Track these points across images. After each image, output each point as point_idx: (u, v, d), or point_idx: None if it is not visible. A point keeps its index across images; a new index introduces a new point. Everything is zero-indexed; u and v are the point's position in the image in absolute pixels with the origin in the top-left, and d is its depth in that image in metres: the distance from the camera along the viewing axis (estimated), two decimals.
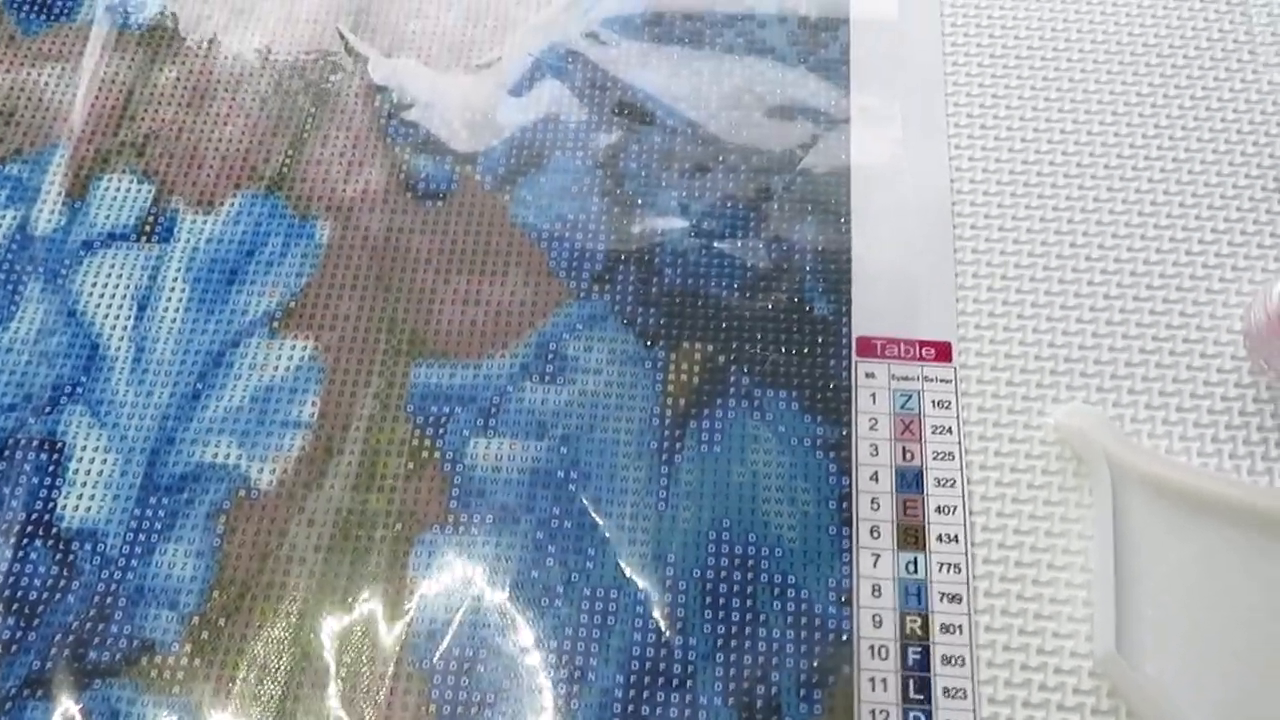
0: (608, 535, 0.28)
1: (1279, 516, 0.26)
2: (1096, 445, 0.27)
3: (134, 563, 0.28)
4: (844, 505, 0.28)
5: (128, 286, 0.32)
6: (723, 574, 0.27)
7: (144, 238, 0.33)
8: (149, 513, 0.29)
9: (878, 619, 0.26)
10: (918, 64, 0.35)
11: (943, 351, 0.30)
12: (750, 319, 0.31)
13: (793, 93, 0.35)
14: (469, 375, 0.31)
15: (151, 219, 0.34)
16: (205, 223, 0.34)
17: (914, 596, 0.27)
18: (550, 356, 0.31)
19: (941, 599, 0.27)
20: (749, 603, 0.27)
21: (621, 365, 0.31)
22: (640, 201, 0.33)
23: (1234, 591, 0.26)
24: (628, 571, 0.28)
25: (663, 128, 0.35)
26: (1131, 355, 0.30)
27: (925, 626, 0.26)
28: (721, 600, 0.27)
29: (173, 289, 0.32)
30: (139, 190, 0.34)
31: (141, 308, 0.32)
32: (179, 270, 0.33)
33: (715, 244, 0.32)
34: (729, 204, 0.33)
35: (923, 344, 0.30)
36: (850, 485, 0.28)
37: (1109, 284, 0.31)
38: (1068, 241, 0.32)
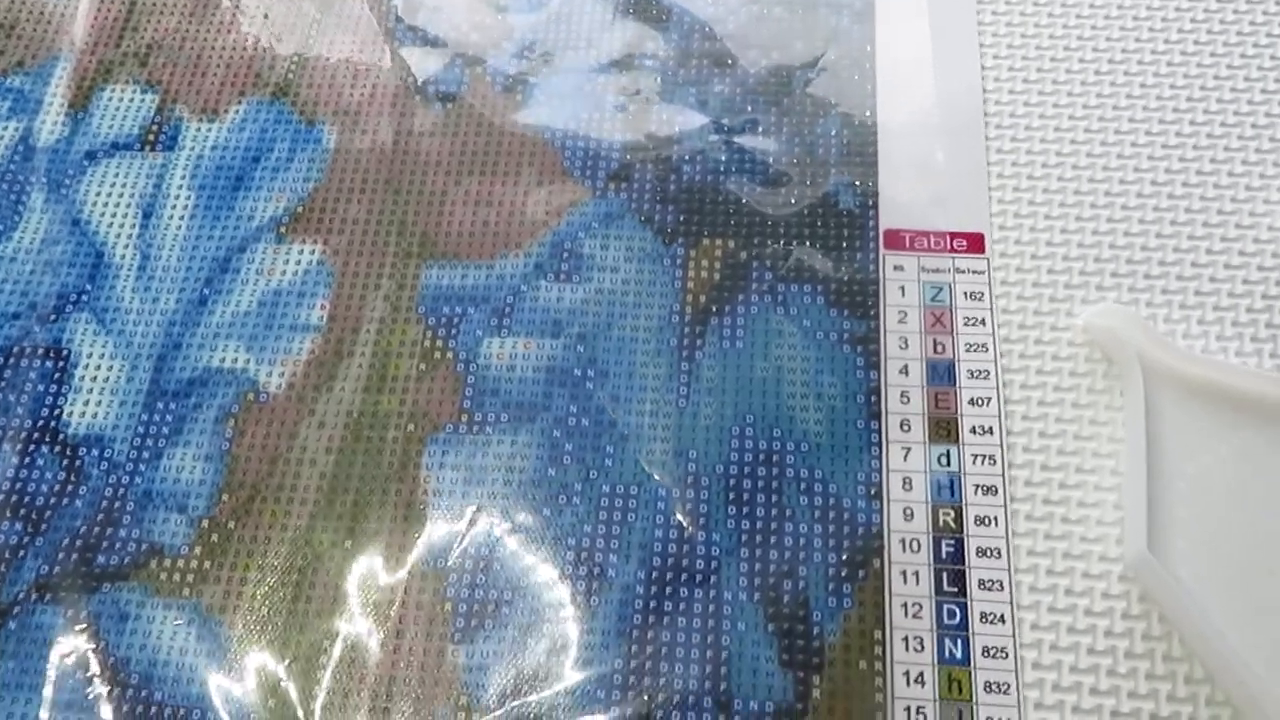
0: (626, 432, 0.26)
1: None
2: (1128, 345, 0.25)
3: (141, 467, 0.27)
4: (872, 399, 0.26)
5: (132, 195, 0.31)
6: (747, 469, 0.25)
7: (148, 146, 0.31)
8: (156, 418, 0.27)
9: (909, 512, 0.24)
10: None
11: (975, 243, 0.27)
12: (772, 214, 0.29)
13: None
14: (482, 275, 0.29)
15: (155, 128, 0.32)
16: (210, 130, 0.32)
17: (946, 489, 0.25)
18: (566, 255, 0.29)
19: (976, 491, 0.24)
20: (774, 498, 0.25)
21: (639, 263, 0.29)
22: (657, 99, 0.31)
23: (1274, 492, 0.23)
24: (648, 468, 0.26)
25: (679, 24, 0.32)
26: (1165, 254, 0.27)
27: (959, 519, 0.24)
28: (746, 496, 0.25)
29: (178, 196, 0.30)
30: (142, 100, 0.32)
31: (146, 215, 0.30)
32: (184, 178, 0.31)
33: (735, 139, 0.30)
34: (749, 100, 0.31)
35: (954, 235, 0.28)
36: (879, 379, 0.26)
37: (1142, 181, 0.28)
38: (1098, 139, 0.29)
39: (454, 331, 0.28)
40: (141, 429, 0.27)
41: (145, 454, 0.27)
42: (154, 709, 0.24)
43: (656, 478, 0.26)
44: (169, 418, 0.27)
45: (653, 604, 0.24)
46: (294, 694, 0.24)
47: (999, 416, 0.25)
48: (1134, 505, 0.23)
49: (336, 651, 0.24)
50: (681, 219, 0.29)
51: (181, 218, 0.30)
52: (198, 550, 0.25)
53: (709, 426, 0.26)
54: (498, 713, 0.23)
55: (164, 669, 0.24)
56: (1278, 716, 0.21)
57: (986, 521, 0.24)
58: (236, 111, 0.32)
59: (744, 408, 0.26)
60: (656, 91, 0.31)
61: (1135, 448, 0.24)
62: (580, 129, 0.31)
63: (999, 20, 0.31)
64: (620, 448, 0.26)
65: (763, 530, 0.25)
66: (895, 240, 0.28)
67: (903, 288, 0.27)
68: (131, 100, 0.32)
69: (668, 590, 0.24)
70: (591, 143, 0.31)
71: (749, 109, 0.30)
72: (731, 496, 0.25)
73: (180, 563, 0.25)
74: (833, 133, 0.30)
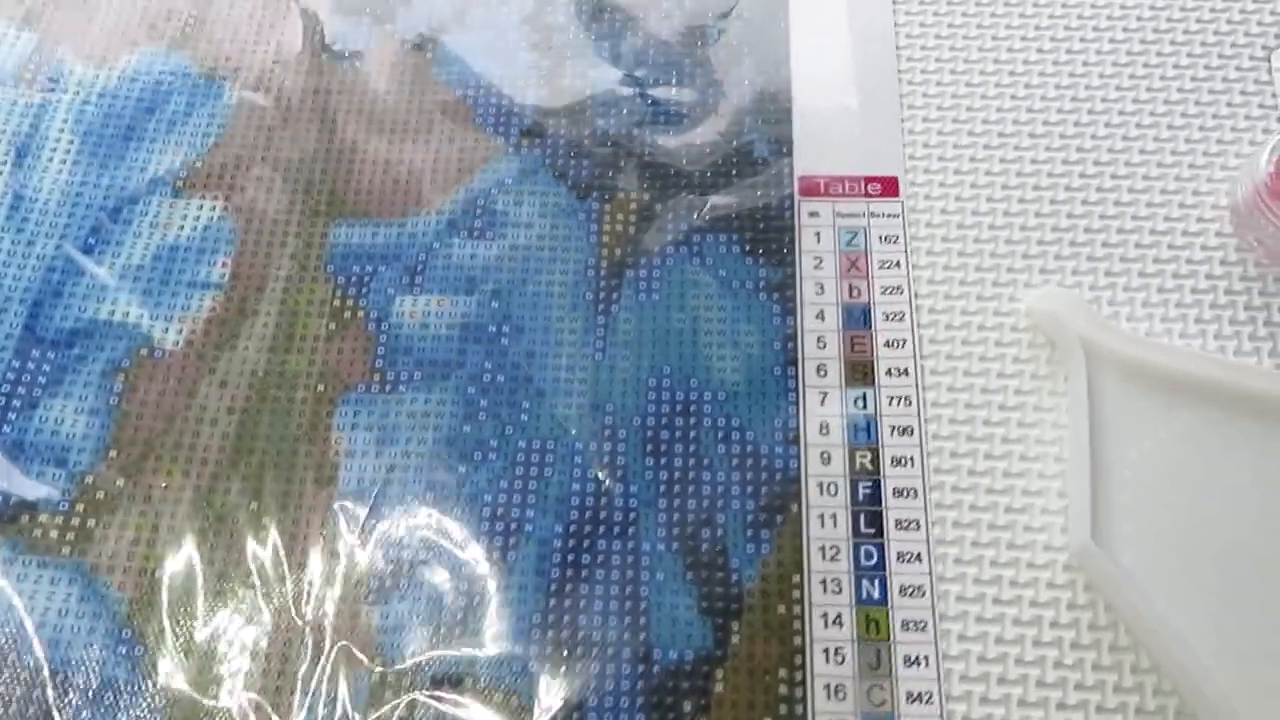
0: (543, 388, 0.25)
1: (1269, 396, 0.23)
2: (1071, 329, 0.24)
3: (11, 416, 0.24)
4: (789, 345, 0.25)
5: (2, 132, 0.28)
6: (664, 420, 0.25)
7: (23, 85, 0.29)
8: (30, 365, 0.25)
9: (826, 456, 0.24)
10: None
11: (889, 186, 0.27)
12: (687, 165, 0.28)
13: None
14: (393, 234, 0.27)
15: (32, 68, 0.29)
16: (97, 77, 0.29)
17: (863, 431, 0.24)
18: (479, 212, 0.28)
19: (892, 432, 0.24)
20: (692, 448, 0.24)
21: (554, 218, 0.28)
22: (569, 54, 0.30)
23: (1218, 476, 0.22)
24: (564, 423, 0.25)
25: None
26: (1109, 235, 0.26)
27: (875, 461, 0.24)
28: (663, 447, 0.24)
29: (59, 140, 0.28)
30: (18, 37, 0.30)
31: (20, 155, 0.28)
32: (65, 122, 0.29)
33: (649, 91, 0.29)
34: (662, 51, 0.30)
35: (868, 179, 0.27)
36: (795, 325, 0.26)
37: (1085, 161, 0.27)
38: (1041, 119, 0.27)
39: (365, 290, 0.27)
40: (13, 376, 0.25)
41: (16, 403, 0.25)
42: (25, 674, 0.22)
43: (573, 432, 0.25)
44: (46, 367, 0.25)
45: (571, 557, 0.23)
46: (193, 659, 0.22)
47: (914, 358, 0.25)
48: (1078, 493, 0.22)
49: (244, 615, 0.23)
50: (596, 173, 0.28)
51: (63, 162, 0.28)
52: (80, 507, 0.24)
53: (626, 379, 0.25)
54: (414, 672, 0.22)
55: (39, 631, 0.22)
56: (1224, 704, 0.20)
57: (903, 462, 0.24)
58: (128, 61, 0.30)
59: (661, 359, 0.25)
60: (569, 46, 0.30)
61: (1078, 434, 0.23)
62: (492, 85, 0.30)
63: None
64: (536, 403, 0.25)
65: (681, 480, 0.24)
66: (810, 187, 0.27)
67: (818, 234, 0.27)
68: (4, 35, 0.30)
69: (586, 543, 0.23)
70: (504, 99, 0.29)
71: (663, 61, 0.30)
72: (649, 448, 0.24)
73: (59, 519, 0.23)
74: (746, 82, 0.29)
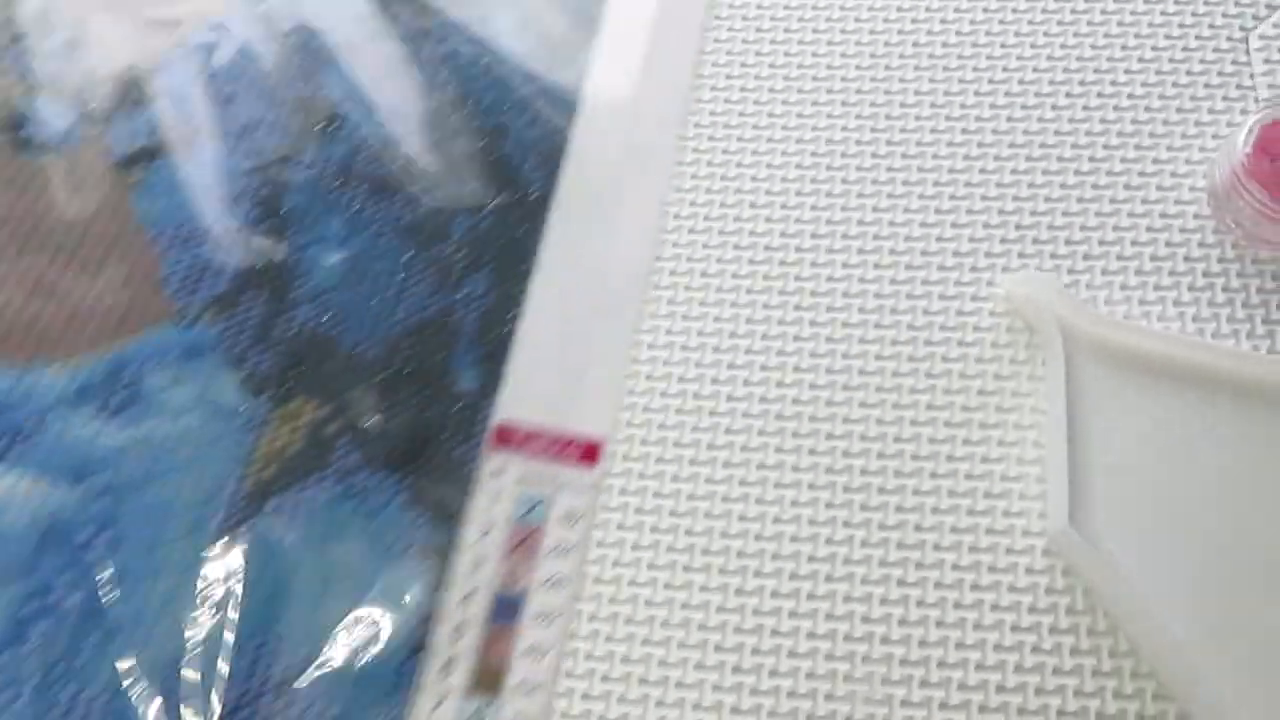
0: (118, 626, 0.21)
1: (1249, 378, 0.23)
2: (1048, 312, 0.23)
3: None
4: (423, 629, 0.22)
5: None
6: (252, 696, 0.21)
7: None
8: None
9: None
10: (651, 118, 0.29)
11: (590, 452, 0.24)
12: (383, 383, 0.25)
13: (509, 118, 0.29)
14: (4, 381, 0.23)
15: None
16: None
17: None
18: (124, 384, 0.24)
19: None
20: None
21: (211, 413, 0.24)
22: (294, 221, 0.26)
23: (1197, 458, 0.22)
24: (128, 678, 0.20)
25: (352, 134, 0.28)
26: (1087, 219, 0.25)
27: None
28: None
29: None
30: None
31: None
32: None
33: (368, 284, 0.26)
34: (400, 238, 0.27)
35: (570, 440, 0.24)
36: (438, 605, 0.22)
37: (1063, 145, 0.26)
38: (1020, 103, 0.27)
39: None
40: None
41: None
42: None
43: (136, 693, 0.20)
44: None
45: None
46: None
47: (554, 672, 0.22)
48: (1055, 477, 0.22)
49: None
50: (277, 370, 0.24)
51: None
52: None
53: (222, 634, 0.21)
54: None
55: None
56: (1204, 684, 0.20)
57: None
58: None
59: (273, 618, 0.22)
60: (293, 215, 0.26)
61: (1056, 417, 0.22)
62: (195, 236, 0.26)
63: (687, 193, 0.27)
64: (104, 644, 0.21)
65: None
66: (505, 436, 0.24)
67: (497, 496, 0.24)
68: None
69: None
70: (201, 255, 0.25)
71: (396, 249, 0.26)
72: None
73: None
74: (479, 293, 0.26)
